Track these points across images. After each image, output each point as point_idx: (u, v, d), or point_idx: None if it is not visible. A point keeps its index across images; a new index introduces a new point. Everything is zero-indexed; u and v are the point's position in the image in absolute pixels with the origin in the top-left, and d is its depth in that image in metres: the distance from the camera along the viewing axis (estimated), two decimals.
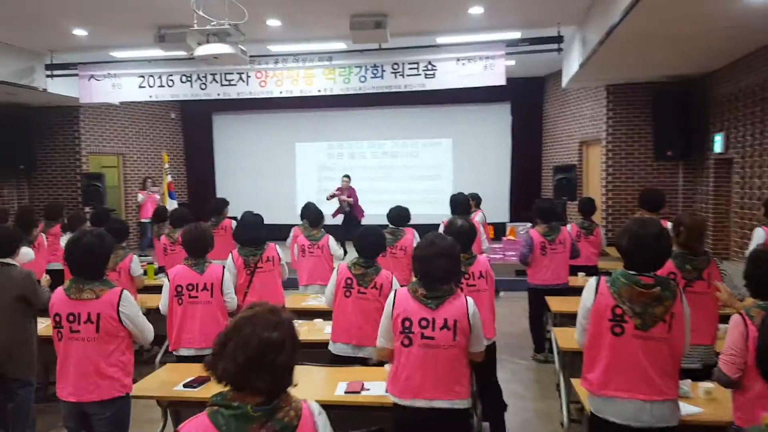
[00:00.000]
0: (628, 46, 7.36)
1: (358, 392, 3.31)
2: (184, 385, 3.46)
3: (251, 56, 8.74)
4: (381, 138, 13.70)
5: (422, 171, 13.55)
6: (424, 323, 2.95)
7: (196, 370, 3.75)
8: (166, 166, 11.40)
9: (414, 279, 3.12)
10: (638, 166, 10.47)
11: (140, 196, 12.20)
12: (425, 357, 2.95)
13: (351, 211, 11.18)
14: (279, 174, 13.78)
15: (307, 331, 4.63)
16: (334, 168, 12.57)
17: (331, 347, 4.17)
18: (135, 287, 5.64)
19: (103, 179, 11.14)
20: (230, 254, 5.14)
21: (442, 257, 2.99)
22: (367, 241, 4.22)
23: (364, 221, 11.12)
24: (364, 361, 4.02)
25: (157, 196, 11.96)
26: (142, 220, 12.13)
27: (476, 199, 8.31)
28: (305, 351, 4.43)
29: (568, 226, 7.02)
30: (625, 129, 10.49)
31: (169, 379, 3.62)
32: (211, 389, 3.33)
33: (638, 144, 10.44)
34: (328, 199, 11.13)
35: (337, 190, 11.28)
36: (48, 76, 9.37)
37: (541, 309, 6.03)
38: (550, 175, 11.88)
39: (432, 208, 12.53)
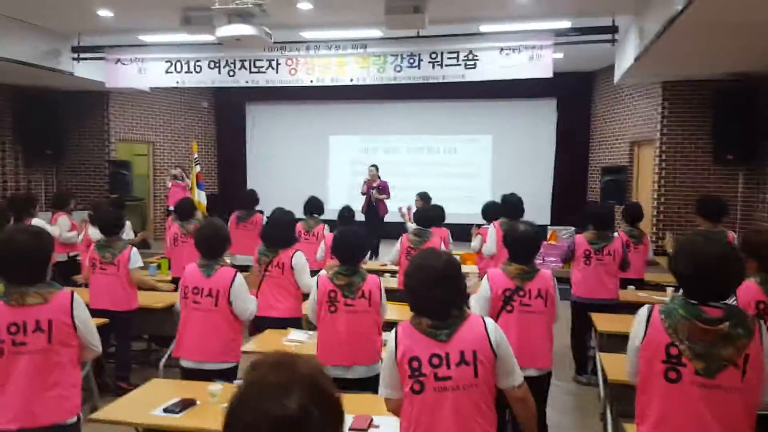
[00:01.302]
0: (690, 38, 6.65)
1: (365, 430, 2.77)
2: (164, 410, 2.97)
3: (281, 42, 8.34)
4: (417, 133, 13.14)
5: (459, 168, 12.94)
6: (436, 361, 2.33)
7: (186, 388, 3.28)
8: (195, 155, 11.03)
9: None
10: (694, 170, 9.66)
11: (168, 183, 11.86)
12: (443, 403, 2.33)
13: (376, 207, 10.65)
14: (311, 167, 13.34)
15: (314, 345, 4.09)
16: (368, 162, 12.06)
17: None
18: (134, 282, 5.22)
19: (130, 167, 10.87)
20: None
21: (437, 285, 2.35)
22: (345, 243, 3.70)
23: (387, 218, 10.72)
24: (359, 383, 3.51)
25: (187, 183, 11.58)
26: (171, 209, 11.83)
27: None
28: None
29: (615, 235, 6.38)
30: (680, 129, 9.69)
31: (149, 400, 3.12)
32: (196, 415, 2.93)
33: (695, 146, 9.63)
34: (363, 194, 10.66)
35: (367, 183, 10.78)
36: (74, 59, 9.08)
37: (584, 325, 5.41)
38: (597, 177, 11.16)
39: (468, 207, 12.00)
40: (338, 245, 3.73)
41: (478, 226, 7.09)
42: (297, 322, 4.59)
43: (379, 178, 10.86)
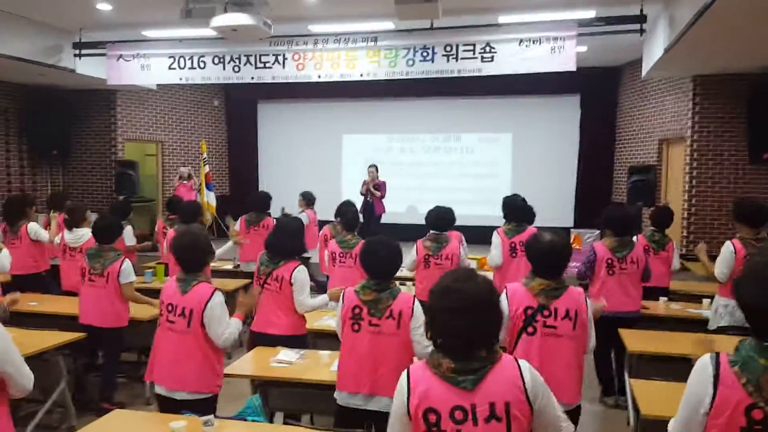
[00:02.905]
0: (725, 27, 6.14)
1: None
2: None
3: (288, 36, 7.98)
4: (433, 131, 12.64)
5: (478, 168, 12.41)
6: (459, 415, 1.85)
7: (149, 423, 2.86)
8: (204, 155, 10.71)
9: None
10: (727, 169, 9.05)
11: (175, 182, 11.52)
12: None
13: (372, 205, 10.33)
14: (325, 167, 12.92)
15: (305, 367, 3.65)
16: (383, 162, 11.63)
17: (337, 396, 3.20)
18: (125, 297, 4.83)
19: (137, 167, 10.56)
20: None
21: (462, 314, 1.86)
22: (377, 258, 3.23)
23: (385, 218, 10.49)
24: (377, 417, 2.94)
25: (194, 183, 11.20)
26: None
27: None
28: (304, 393, 3.59)
29: (635, 238, 5.86)
30: (713, 126, 9.08)
31: None
32: None
33: (728, 144, 9.02)
34: (362, 194, 10.34)
35: (366, 183, 10.46)
36: (76, 55, 8.78)
37: (610, 342, 4.91)
38: (624, 177, 10.59)
39: (486, 209, 11.54)
40: (369, 258, 3.26)
41: None
42: (300, 341, 4.12)
43: (377, 178, 10.52)
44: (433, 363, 1.91)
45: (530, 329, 3.03)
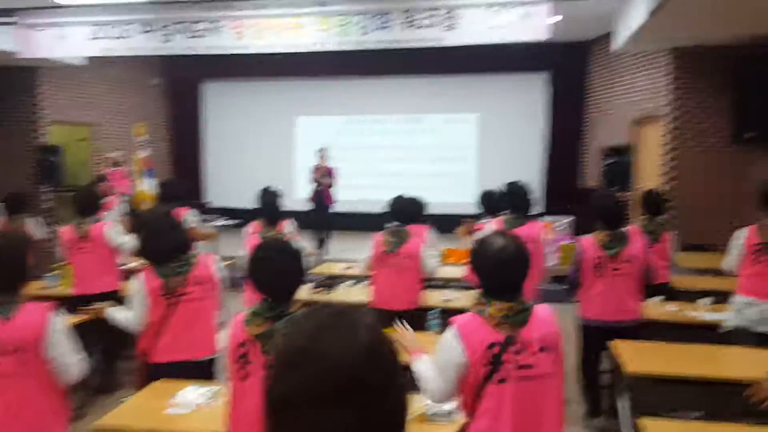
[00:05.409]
0: None
1: None
2: None
3: (224, 0, 6.99)
4: (395, 112, 11.79)
5: (443, 151, 11.64)
6: None
7: None
8: (141, 139, 9.68)
9: None
10: (708, 151, 8.40)
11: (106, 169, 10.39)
12: None
13: (321, 194, 9.58)
14: (276, 152, 12.01)
15: (208, 416, 2.66)
16: (341, 147, 10.77)
17: None
18: None
19: (60, 153, 9.44)
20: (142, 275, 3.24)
21: (323, 405, 0.95)
22: (270, 268, 2.41)
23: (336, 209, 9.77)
24: None
25: (126, 171, 10.10)
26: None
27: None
28: None
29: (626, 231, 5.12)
30: (693, 104, 8.40)
31: None
32: None
33: (709, 123, 8.36)
34: (315, 181, 9.63)
35: (316, 170, 9.67)
36: None
37: (597, 355, 4.14)
38: (596, 159, 9.90)
39: (453, 195, 10.89)
40: (256, 271, 2.41)
41: (474, 218, 5.74)
42: (206, 369, 3.24)
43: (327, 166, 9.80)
44: None
45: (499, 375, 2.18)
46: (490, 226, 4.75)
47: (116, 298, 4.68)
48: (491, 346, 2.19)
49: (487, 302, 2.27)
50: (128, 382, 4.68)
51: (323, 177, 9.62)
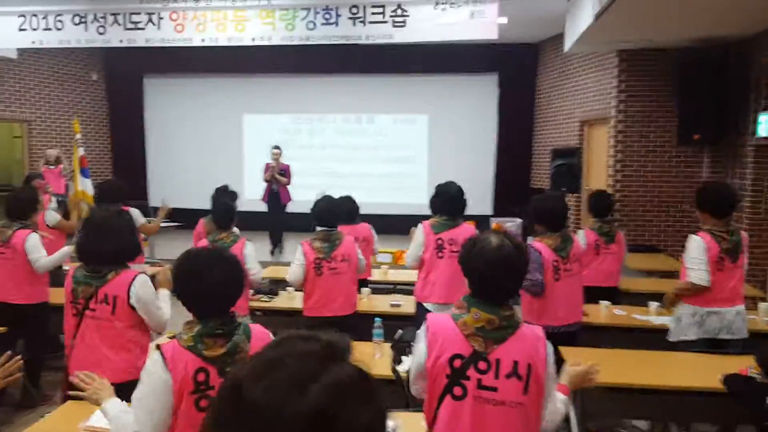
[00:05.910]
0: None
1: None
2: None
3: None
4: (345, 111, 11.61)
5: (393, 152, 11.49)
6: None
7: None
8: (78, 136, 9.21)
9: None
10: (655, 151, 8.49)
11: (41, 168, 9.88)
12: None
13: (277, 193, 9.46)
14: (223, 151, 11.65)
15: None
16: (290, 145, 10.52)
17: None
18: None
19: None
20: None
21: None
22: (210, 278, 2.09)
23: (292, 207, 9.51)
24: None
25: (64, 170, 9.64)
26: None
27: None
28: None
29: (581, 233, 5.06)
30: (640, 106, 8.49)
31: None
32: None
33: (656, 125, 8.46)
34: (266, 181, 9.40)
35: (269, 168, 9.50)
36: None
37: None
38: (545, 161, 9.93)
39: (402, 196, 10.78)
40: (192, 284, 2.11)
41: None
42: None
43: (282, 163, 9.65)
44: None
45: (457, 390, 2.03)
46: (419, 231, 4.44)
47: (37, 311, 4.38)
48: (454, 357, 2.03)
49: (467, 308, 2.09)
50: (54, 395, 4.38)
51: (281, 175, 9.41)
